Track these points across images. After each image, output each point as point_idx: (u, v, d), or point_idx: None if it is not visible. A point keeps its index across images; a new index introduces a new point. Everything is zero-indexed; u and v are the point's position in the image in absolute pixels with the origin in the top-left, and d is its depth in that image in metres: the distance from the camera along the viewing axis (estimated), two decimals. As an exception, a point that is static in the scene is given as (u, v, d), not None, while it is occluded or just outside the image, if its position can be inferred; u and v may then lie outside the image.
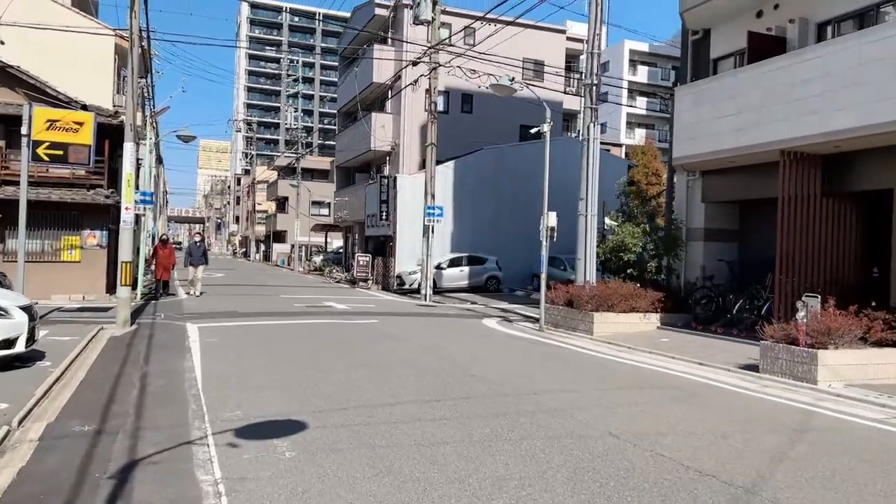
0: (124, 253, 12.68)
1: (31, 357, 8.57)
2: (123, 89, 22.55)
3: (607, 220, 16.28)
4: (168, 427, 5.68)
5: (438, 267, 23.72)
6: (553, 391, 7.58)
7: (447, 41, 21.29)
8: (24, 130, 11.98)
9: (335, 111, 43.09)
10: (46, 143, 11.98)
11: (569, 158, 20.49)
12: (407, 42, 24.95)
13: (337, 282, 32.13)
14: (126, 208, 12.52)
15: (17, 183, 16.63)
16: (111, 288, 19.03)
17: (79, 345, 10.15)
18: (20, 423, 5.73)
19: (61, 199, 17.66)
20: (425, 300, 20.90)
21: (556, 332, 14.08)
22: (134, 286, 17.54)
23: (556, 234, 14.95)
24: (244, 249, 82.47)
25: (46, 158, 11.98)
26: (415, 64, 21.79)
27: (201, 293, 19.85)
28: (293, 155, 54.64)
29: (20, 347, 8.02)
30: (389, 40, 32.52)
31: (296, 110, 57.41)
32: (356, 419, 6.03)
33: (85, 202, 17.85)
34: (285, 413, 6.21)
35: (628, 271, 14.96)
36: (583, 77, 15.05)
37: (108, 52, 23.09)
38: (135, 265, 17.68)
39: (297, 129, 52.34)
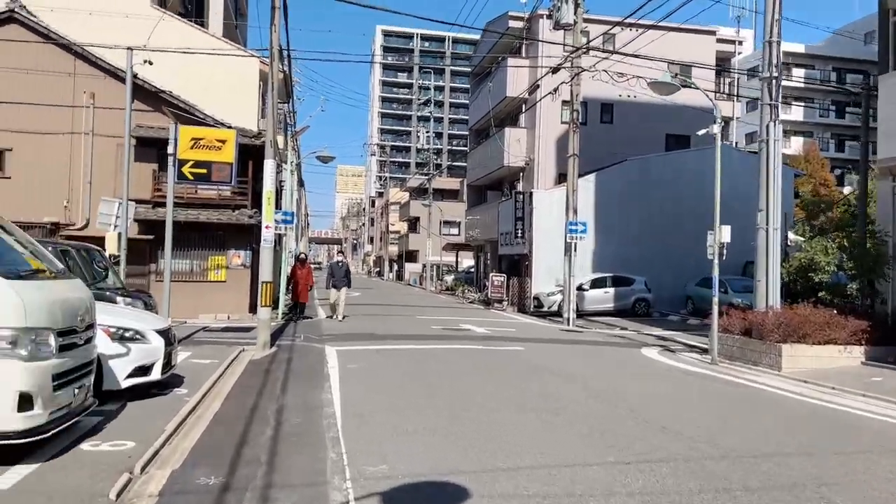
0: (265, 272, 12.32)
1: (168, 383, 8.09)
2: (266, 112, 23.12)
3: (791, 235, 14.02)
4: (302, 485, 4.70)
5: (580, 288, 22.06)
6: (779, 455, 5.88)
7: (587, 46, 19.79)
8: (170, 149, 11.98)
9: (464, 132, 42.67)
10: (191, 162, 11.93)
11: (723, 168, 18.24)
12: (543, 42, 23.73)
13: (470, 302, 31.21)
14: (266, 227, 12.16)
15: (173, 205, 17.15)
16: (254, 307, 19.16)
17: (218, 369, 9.71)
18: (143, 468, 5.00)
19: (208, 220, 18.01)
20: (568, 325, 19.33)
21: (732, 365, 12.07)
22: (275, 306, 17.44)
23: (725, 252, 12.97)
24: (378, 269, 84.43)
25: (191, 177, 11.94)
26: (554, 71, 20.49)
27: (344, 317, 18.21)
28: (424, 175, 55.02)
29: (155, 375, 7.52)
30: (524, 52, 31.49)
31: (427, 132, 57.89)
32: (530, 486, 4.75)
33: (230, 222, 18.10)
34: (440, 471, 5.06)
35: (819, 294, 12.66)
36: (760, 71, 13.07)
37: (253, 78, 23.79)
38: (276, 285, 17.62)
39: (427, 150, 52.61)
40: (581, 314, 21.03)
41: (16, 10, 17.42)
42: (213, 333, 14.80)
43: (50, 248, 10.31)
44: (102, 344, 7.05)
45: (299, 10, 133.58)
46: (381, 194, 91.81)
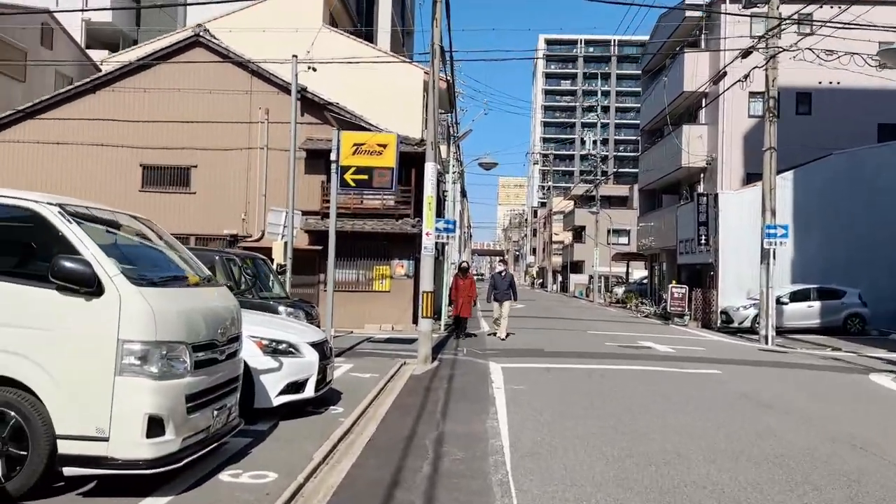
0: (425, 282, 11.61)
1: (325, 399, 7.49)
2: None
3: None
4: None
5: (779, 301, 19.19)
6: None
7: (790, 19, 17.15)
8: (332, 156, 11.68)
9: (632, 137, 40.19)
10: (353, 168, 11.55)
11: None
12: (729, 14, 21.20)
13: (645, 316, 28.86)
14: (427, 233, 11.46)
15: (339, 215, 17.21)
16: (417, 318, 18.77)
17: (377, 385, 9.06)
18: (280, 511, 4.22)
19: (373, 230, 17.88)
20: (767, 343, 16.76)
21: None
22: (437, 317, 16.81)
23: None
24: (541, 280, 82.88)
25: (353, 183, 11.56)
26: (745, 55, 18.05)
27: (507, 335, 16.08)
28: (589, 182, 52.83)
29: (308, 392, 6.90)
30: (702, 43, 28.79)
31: (593, 137, 55.70)
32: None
33: (394, 232, 17.85)
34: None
35: None
36: None
37: (417, 89, 23.76)
38: (437, 295, 17.01)
39: (594, 155, 50.46)
40: (779, 331, 18.26)
41: (200, 34, 18.57)
42: (375, 345, 14.43)
43: (217, 258, 10.39)
44: (254, 357, 6.56)
45: (461, 19, 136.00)
46: (543, 204, 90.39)
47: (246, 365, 6.19)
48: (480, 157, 21.70)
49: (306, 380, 6.91)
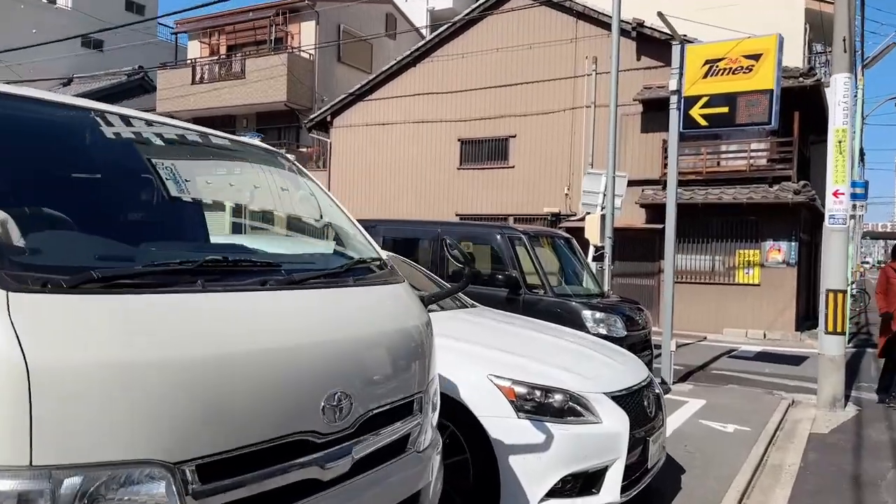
0: (831, 274, 7.01)
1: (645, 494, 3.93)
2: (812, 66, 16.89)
3: None
4: None
5: None
6: None
7: None
8: (671, 84, 7.83)
9: None
10: (704, 99, 7.54)
11: None
12: None
13: None
14: (837, 193, 6.85)
15: (687, 182, 13.11)
16: (801, 324, 13.55)
17: (749, 454, 5.15)
18: None
19: (735, 200, 13.22)
20: None
21: None
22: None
23: None
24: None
25: (704, 122, 7.55)
26: None
27: None
28: None
29: (609, 496, 3.42)
30: None
31: None
32: None
33: (766, 202, 12.93)
34: None
35: None
36: None
37: (799, 21, 18.15)
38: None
39: None
40: None
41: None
42: (741, 363, 10.12)
43: (498, 236, 7.46)
44: (497, 420, 3.36)
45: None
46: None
47: (480, 434, 3.09)
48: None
49: (604, 469, 3.46)
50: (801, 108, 12.78)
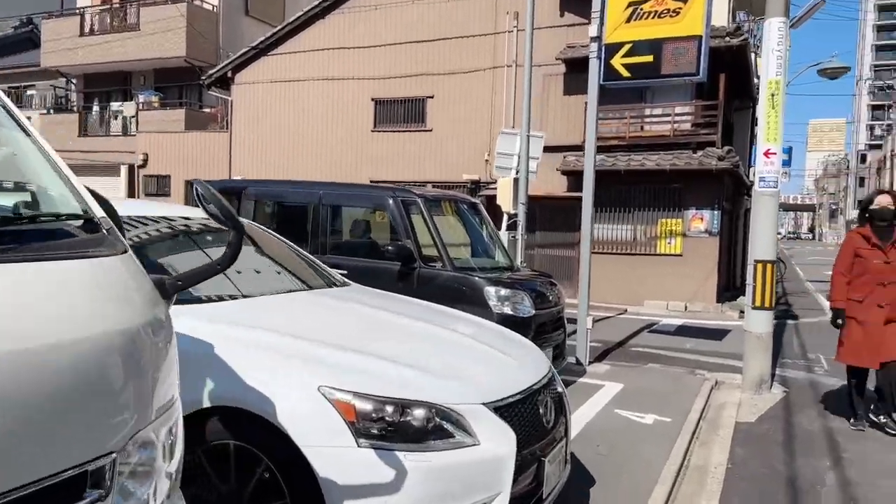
0: (761, 244, 6.35)
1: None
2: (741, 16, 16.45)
3: None
4: None
5: None
6: None
7: None
8: (591, 31, 6.92)
9: None
10: (627, 47, 6.68)
11: None
12: None
13: None
14: (767, 153, 6.15)
15: (608, 148, 12.38)
16: (721, 296, 13.22)
17: (672, 452, 4.41)
18: None
19: (657, 167, 12.63)
20: None
21: None
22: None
23: None
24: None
25: (626, 73, 6.70)
26: None
27: None
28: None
29: (485, 547, 2.51)
30: None
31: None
32: None
33: (689, 168, 12.38)
34: None
35: None
36: None
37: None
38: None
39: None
40: None
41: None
42: (662, 338, 9.55)
43: (389, 200, 6.41)
44: (322, 450, 2.38)
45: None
46: (875, 146, 73.06)
47: (305, 471, 2.25)
48: (824, 63, 14.64)
49: (482, 508, 2.53)
50: (727, 69, 12.24)
